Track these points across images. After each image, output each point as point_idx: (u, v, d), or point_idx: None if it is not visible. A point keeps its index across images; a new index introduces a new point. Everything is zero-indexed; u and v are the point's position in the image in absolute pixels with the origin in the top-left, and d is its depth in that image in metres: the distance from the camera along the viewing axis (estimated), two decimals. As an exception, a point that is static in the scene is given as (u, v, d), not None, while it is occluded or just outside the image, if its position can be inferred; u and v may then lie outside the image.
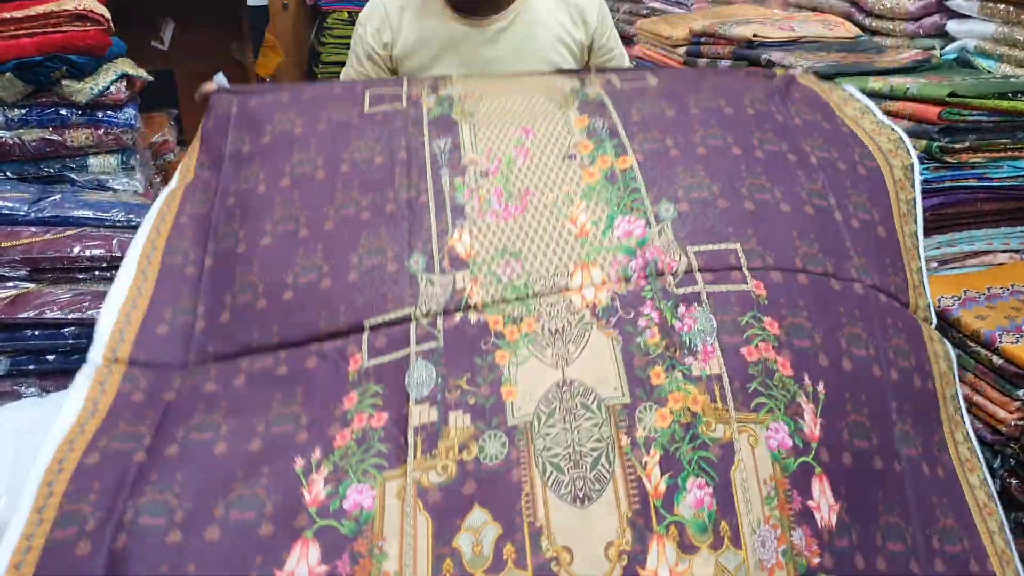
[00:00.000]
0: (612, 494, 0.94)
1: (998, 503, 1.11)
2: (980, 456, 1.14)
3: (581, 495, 0.94)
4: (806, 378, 1.03)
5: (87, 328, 1.54)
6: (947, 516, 1.06)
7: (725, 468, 0.96)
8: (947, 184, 1.52)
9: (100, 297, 1.57)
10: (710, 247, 1.12)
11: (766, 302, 1.08)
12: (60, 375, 1.62)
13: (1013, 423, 1.28)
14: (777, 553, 0.93)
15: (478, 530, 0.93)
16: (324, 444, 0.99)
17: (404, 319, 1.08)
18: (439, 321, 1.08)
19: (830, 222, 1.20)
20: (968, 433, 1.16)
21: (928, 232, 1.43)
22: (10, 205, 1.65)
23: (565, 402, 1.00)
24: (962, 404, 1.17)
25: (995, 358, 1.31)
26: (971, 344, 1.36)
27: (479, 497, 0.94)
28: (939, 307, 1.43)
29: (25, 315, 1.56)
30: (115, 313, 1.13)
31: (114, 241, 1.66)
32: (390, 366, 1.05)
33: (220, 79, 1.46)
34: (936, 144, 1.49)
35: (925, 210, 1.35)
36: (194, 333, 1.12)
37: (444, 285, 1.10)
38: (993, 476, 1.24)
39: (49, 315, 1.57)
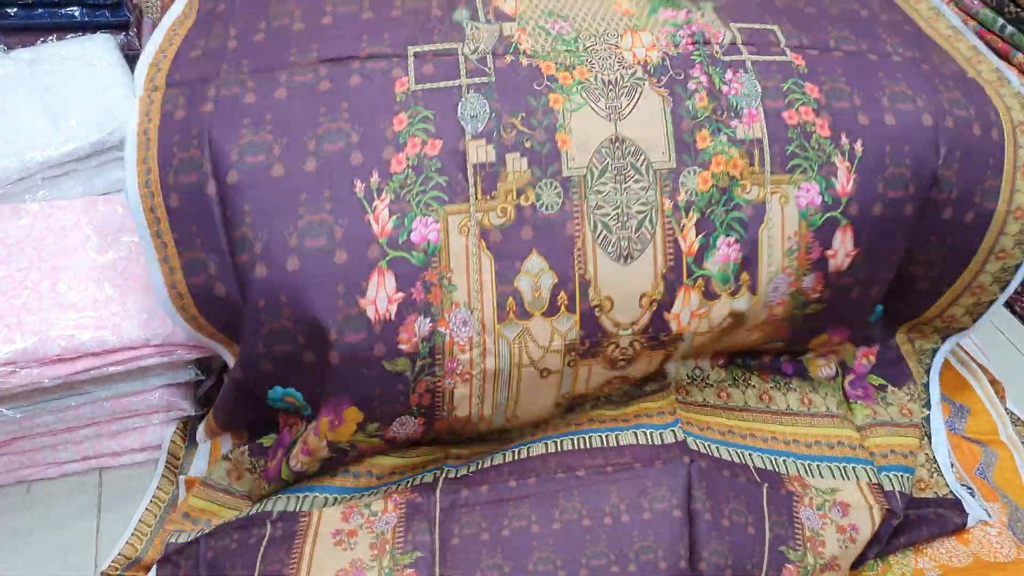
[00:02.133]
0: (651, 253, 1.05)
1: None
2: None
3: (625, 254, 1.04)
4: (843, 137, 1.11)
5: None
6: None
7: (755, 226, 1.08)
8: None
9: None
10: (751, 25, 1.17)
11: (806, 71, 1.13)
12: (24, 31, 1.52)
13: None
14: (786, 296, 1.11)
15: (536, 275, 1.03)
16: (380, 168, 1.00)
17: (451, 51, 1.06)
18: (489, 60, 1.06)
19: (860, 19, 1.24)
20: None
21: None
22: None
23: (617, 160, 1.05)
24: None
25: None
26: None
27: (537, 243, 1.02)
28: None
29: None
30: (154, 48, 1.12)
31: None
32: (440, 93, 1.04)
33: None
34: None
35: None
36: (226, 51, 1.08)
37: (491, 31, 1.09)
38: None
39: None
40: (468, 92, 1.04)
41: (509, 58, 1.07)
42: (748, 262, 1.08)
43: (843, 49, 1.18)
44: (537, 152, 1.03)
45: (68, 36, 1.52)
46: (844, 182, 1.10)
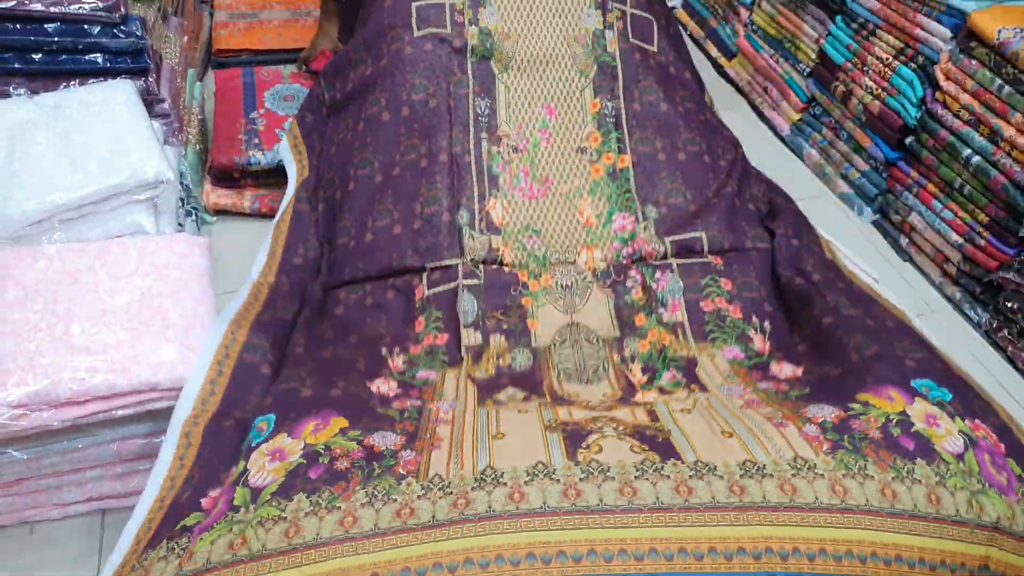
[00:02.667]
0: (607, 382, 1.33)
1: None
2: None
3: (586, 381, 1.32)
4: (753, 318, 1.42)
5: (71, 25, 1.52)
6: (903, 341, 1.26)
7: (691, 368, 1.34)
8: None
9: None
10: (682, 236, 1.52)
11: (722, 268, 1.48)
12: (48, 77, 1.56)
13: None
14: (744, 391, 1.26)
15: (511, 395, 1.28)
16: (403, 348, 1.36)
17: (454, 264, 1.44)
18: (481, 267, 1.45)
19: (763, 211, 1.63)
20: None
21: None
22: None
23: (573, 335, 1.41)
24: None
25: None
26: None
27: (512, 382, 1.31)
28: (998, 39, 1.63)
29: (4, 5, 1.47)
30: (267, 247, 1.52)
31: None
32: (444, 295, 1.41)
33: None
34: None
35: None
36: (320, 266, 1.51)
37: (483, 243, 1.47)
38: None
39: (29, 6, 1.47)
40: (463, 291, 1.40)
41: (494, 266, 1.45)
42: (691, 383, 1.31)
43: (757, 247, 1.51)
44: (513, 331, 1.39)
45: (90, 81, 1.57)
46: (762, 345, 1.37)
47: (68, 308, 1.19)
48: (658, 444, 1.03)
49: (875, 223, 1.99)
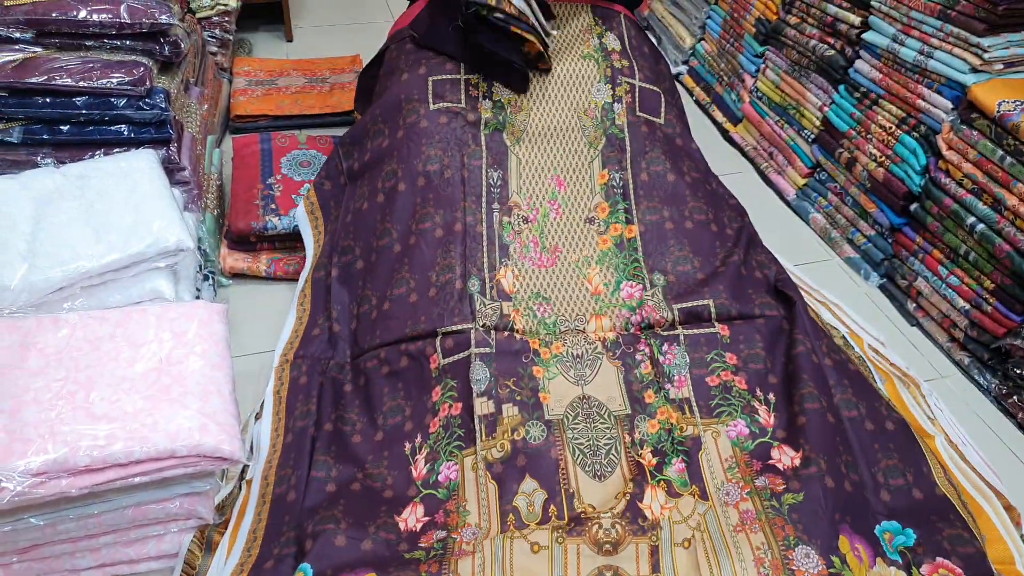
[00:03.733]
0: (620, 472, 1.35)
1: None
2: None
3: (599, 475, 1.34)
4: (758, 390, 1.44)
5: (98, 99, 1.56)
6: (891, 457, 1.37)
7: (695, 453, 1.36)
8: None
9: (110, 66, 1.57)
10: (690, 304, 1.54)
11: (728, 341, 1.50)
12: (74, 147, 1.60)
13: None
14: (742, 494, 1.29)
15: (530, 495, 1.30)
16: (423, 431, 1.40)
17: (466, 330, 1.46)
18: (492, 334, 1.47)
19: (772, 282, 1.64)
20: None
21: (999, 29, 1.69)
22: (12, -37, 1.55)
23: (585, 410, 1.42)
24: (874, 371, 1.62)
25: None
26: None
27: (529, 469, 1.32)
28: (998, 112, 1.62)
29: (34, 80, 1.51)
30: (290, 328, 1.61)
31: (122, 7, 1.58)
32: (459, 363, 1.44)
33: None
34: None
35: (999, 3, 1.64)
36: (335, 335, 1.56)
37: (494, 309, 1.50)
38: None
39: (59, 81, 1.52)
40: (475, 360, 1.42)
41: (506, 333, 1.47)
42: (694, 478, 1.32)
43: (765, 315, 1.54)
44: (526, 403, 1.40)
45: (115, 151, 1.62)
46: (767, 418, 1.40)
47: (88, 376, 1.21)
48: None
49: (882, 287, 2.01)
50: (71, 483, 1.10)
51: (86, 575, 1.24)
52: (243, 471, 1.41)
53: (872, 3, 2.01)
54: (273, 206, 1.89)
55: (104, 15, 1.57)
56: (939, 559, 1.24)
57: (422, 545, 1.24)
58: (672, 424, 1.39)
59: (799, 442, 1.33)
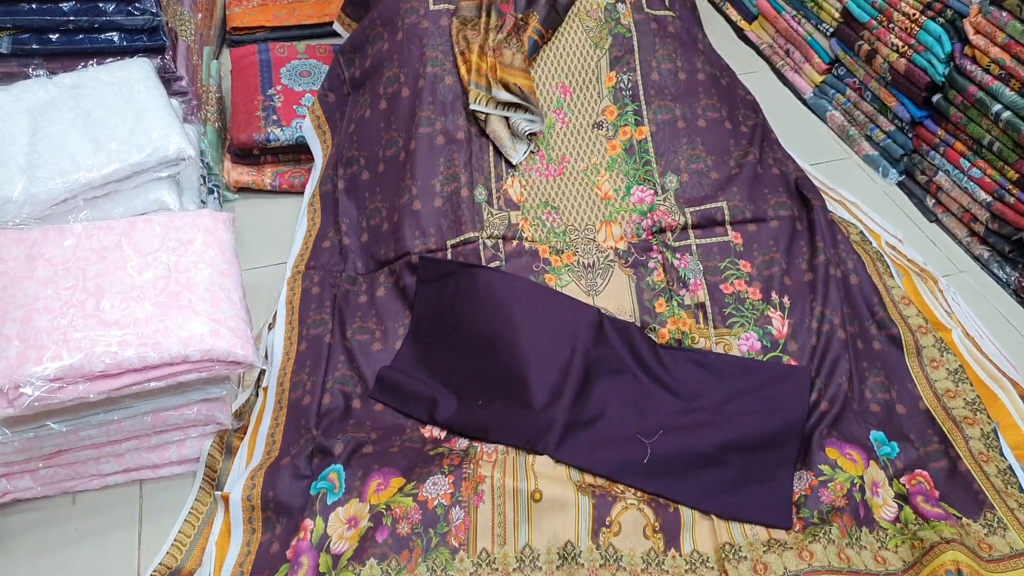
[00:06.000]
0: None
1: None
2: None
3: None
4: (773, 294, 1.43)
5: (86, 3, 1.52)
6: (877, 375, 1.39)
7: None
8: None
9: None
10: (702, 207, 1.51)
11: (741, 249, 1.48)
12: (65, 56, 1.57)
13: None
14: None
15: None
16: None
17: (474, 239, 1.44)
18: (501, 244, 1.44)
19: (791, 179, 1.61)
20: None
21: None
22: None
23: None
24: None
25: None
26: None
27: None
28: None
29: None
30: (300, 240, 1.61)
31: None
32: None
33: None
34: None
35: None
36: (345, 248, 1.55)
37: (502, 218, 1.47)
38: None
39: None
40: None
41: (515, 242, 1.44)
42: None
43: (780, 216, 1.50)
44: None
45: (108, 60, 1.57)
46: (780, 327, 1.39)
47: (97, 284, 1.20)
48: (669, 515, 1.17)
49: (900, 185, 1.96)
50: (88, 388, 1.11)
51: (112, 479, 1.27)
52: (259, 379, 1.42)
53: None
54: (275, 117, 1.84)
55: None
56: (917, 470, 1.27)
57: (445, 445, 1.27)
58: (684, 333, 1.38)
59: (807, 361, 1.34)
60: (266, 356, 1.44)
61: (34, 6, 1.50)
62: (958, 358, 1.42)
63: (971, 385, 1.37)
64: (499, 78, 1.52)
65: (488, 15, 1.60)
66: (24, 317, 1.14)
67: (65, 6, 1.51)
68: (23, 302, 1.16)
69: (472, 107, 1.53)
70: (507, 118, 1.54)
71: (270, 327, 1.48)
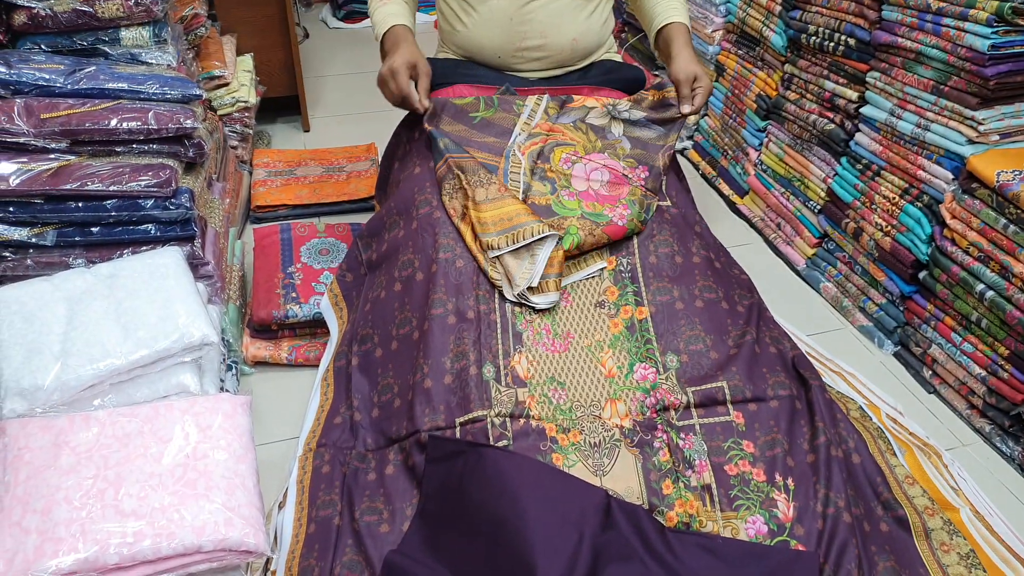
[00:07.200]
0: None
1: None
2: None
3: None
4: (777, 476, 1.43)
5: (127, 200, 1.64)
6: (887, 559, 1.37)
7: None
8: (1016, 50, 1.55)
9: (138, 170, 1.65)
10: (703, 387, 1.54)
11: (744, 428, 1.49)
12: (104, 247, 1.67)
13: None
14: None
15: None
16: None
17: (483, 418, 1.46)
18: (508, 423, 1.46)
19: (788, 358, 1.65)
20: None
21: (992, 102, 1.69)
22: (46, 76, 1.63)
23: None
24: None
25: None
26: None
27: None
28: (998, 182, 1.62)
29: (68, 187, 1.59)
30: (312, 416, 1.64)
31: (150, 114, 1.66)
32: None
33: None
34: (1008, 5, 1.49)
35: (989, 78, 1.66)
36: (355, 423, 1.58)
37: (510, 396, 1.50)
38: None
39: (91, 187, 1.60)
40: None
41: (523, 421, 1.47)
42: None
43: (779, 396, 1.55)
44: None
45: (142, 249, 1.69)
46: (786, 509, 1.40)
47: (118, 473, 1.24)
48: None
49: (896, 355, 2.02)
50: (100, 581, 1.12)
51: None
52: (267, 564, 1.42)
53: (867, 79, 2.08)
54: (294, 294, 1.94)
55: (134, 123, 1.65)
56: None
57: None
58: (691, 516, 1.38)
59: (815, 546, 1.34)
60: (275, 538, 1.45)
61: (80, 204, 1.63)
62: (968, 541, 1.41)
63: (984, 570, 1.36)
64: (479, 219, 1.64)
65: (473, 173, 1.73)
66: (45, 508, 1.17)
67: (109, 204, 1.64)
68: (45, 492, 1.20)
69: (487, 272, 1.63)
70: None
71: (280, 506, 1.49)
